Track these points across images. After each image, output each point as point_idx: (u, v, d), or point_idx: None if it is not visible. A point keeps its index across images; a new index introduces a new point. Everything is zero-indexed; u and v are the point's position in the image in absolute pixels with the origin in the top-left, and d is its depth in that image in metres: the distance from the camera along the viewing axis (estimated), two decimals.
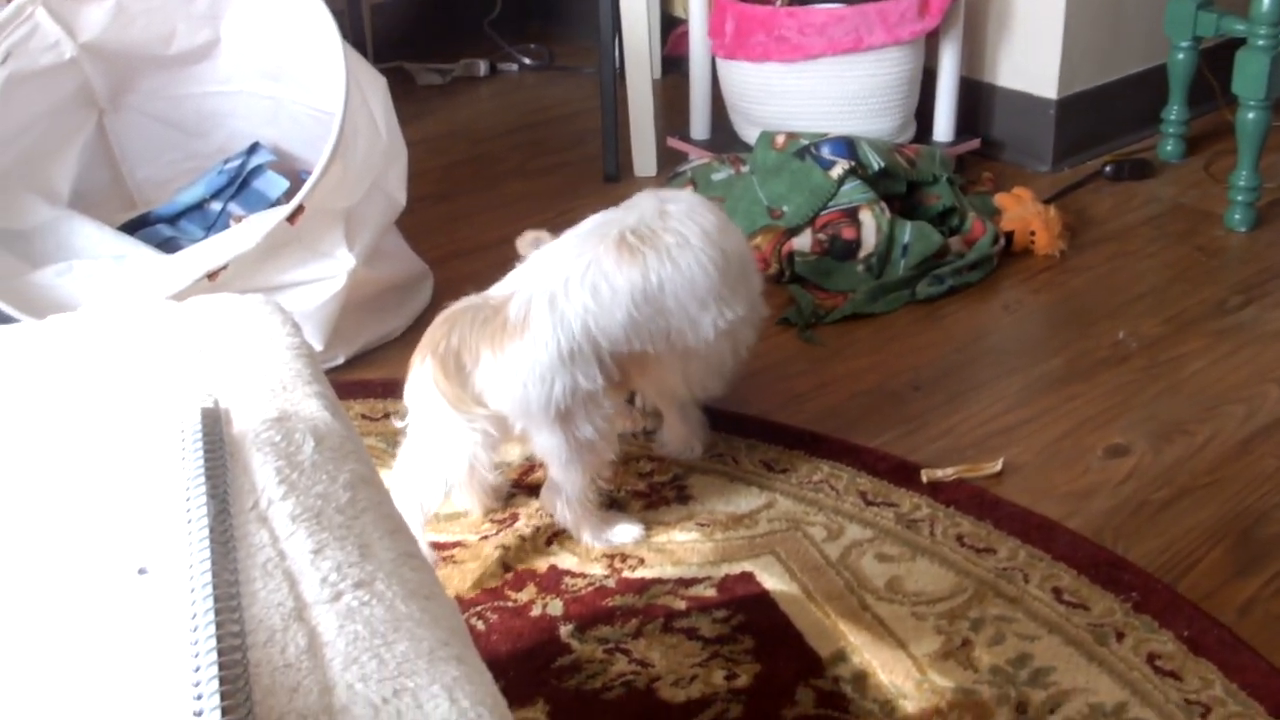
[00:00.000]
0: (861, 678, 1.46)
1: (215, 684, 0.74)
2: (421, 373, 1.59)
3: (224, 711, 0.73)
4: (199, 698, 0.74)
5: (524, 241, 1.78)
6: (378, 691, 0.79)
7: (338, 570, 0.88)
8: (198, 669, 0.76)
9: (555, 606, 1.59)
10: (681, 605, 1.59)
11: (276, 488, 0.96)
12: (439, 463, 1.62)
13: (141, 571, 0.85)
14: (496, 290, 1.66)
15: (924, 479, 1.79)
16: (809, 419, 1.97)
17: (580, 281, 1.61)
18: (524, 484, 1.84)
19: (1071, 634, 1.50)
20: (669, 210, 1.70)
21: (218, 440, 1.00)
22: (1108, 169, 2.87)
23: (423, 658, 0.82)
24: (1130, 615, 1.52)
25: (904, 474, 1.81)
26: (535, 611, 1.59)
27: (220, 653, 0.77)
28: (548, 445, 1.64)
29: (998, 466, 1.81)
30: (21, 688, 0.75)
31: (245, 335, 1.19)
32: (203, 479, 0.94)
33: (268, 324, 1.22)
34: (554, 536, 1.72)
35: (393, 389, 2.08)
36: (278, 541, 0.91)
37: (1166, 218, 2.67)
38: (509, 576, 1.65)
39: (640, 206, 1.72)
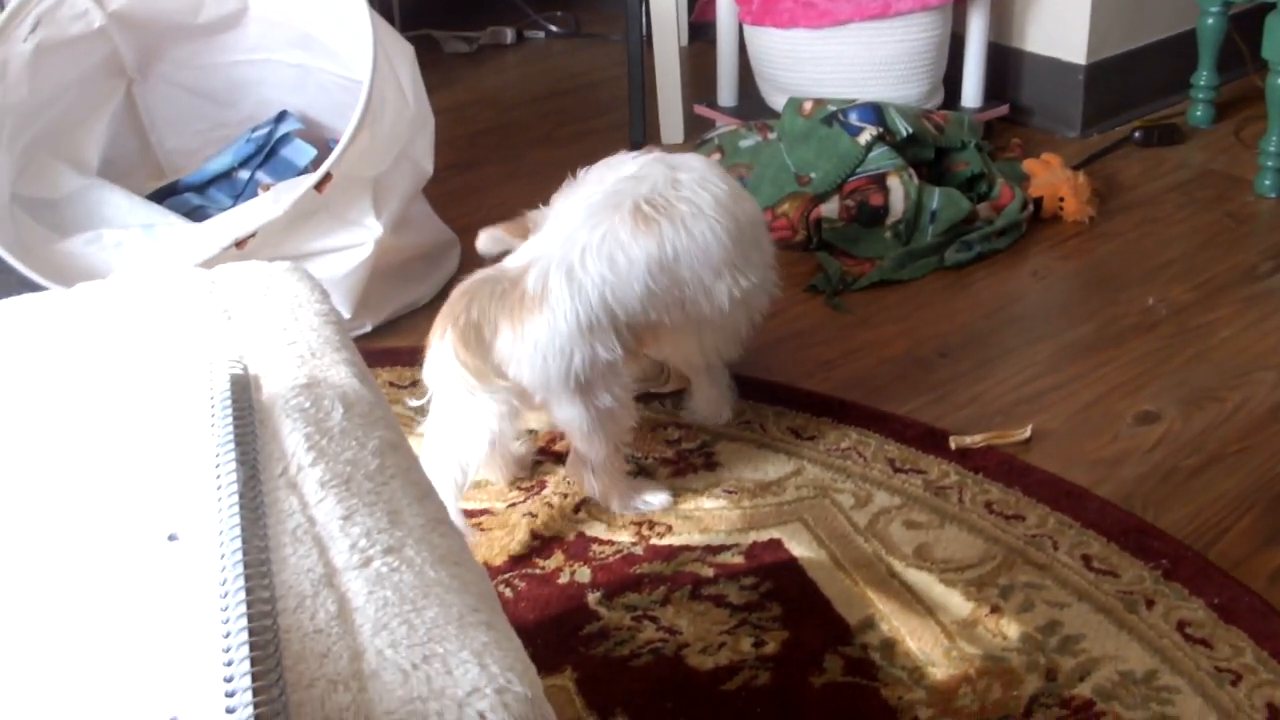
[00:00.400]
0: (890, 645, 1.46)
1: (245, 650, 0.75)
2: (442, 347, 1.59)
3: (254, 677, 0.73)
4: (229, 664, 0.74)
5: (482, 240, 1.84)
6: (407, 657, 0.79)
7: (367, 536, 0.89)
8: (228, 635, 0.76)
9: (583, 574, 1.60)
10: (709, 572, 1.59)
11: (306, 454, 0.97)
12: (464, 435, 1.62)
13: (172, 538, 0.85)
14: (512, 261, 1.66)
15: (952, 446, 1.78)
16: (836, 386, 1.96)
17: (597, 252, 1.60)
18: (551, 451, 1.84)
19: (1101, 601, 1.49)
20: (680, 179, 1.69)
21: (247, 407, 1.00)
22: (1137, 135, 2.84)
23: (452, 623, 0.82)
24: (1160, 583, 1.52)
25: (932, 441, 1.80)
26: (563, 579, 1.59)
27: (250, 618, 0.77)
28: (568, 416, 1.64)
29: (1026, 433, 1.81)
30: (52, 653, 0.76)
31: (273, 302, 1.19)
32: (232, 445, 0.94)
33: (296, 290, 1.22)
34: (582, 504, 1.72)
35: (421, 357, 2.09)
36: (307, 507, 0.91)
37: (1196, 183, 2.65)
38: (537, 544, 1.66)
39: (651, 175, 1.69)
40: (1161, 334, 2.09)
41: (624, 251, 1.61)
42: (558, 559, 1.63)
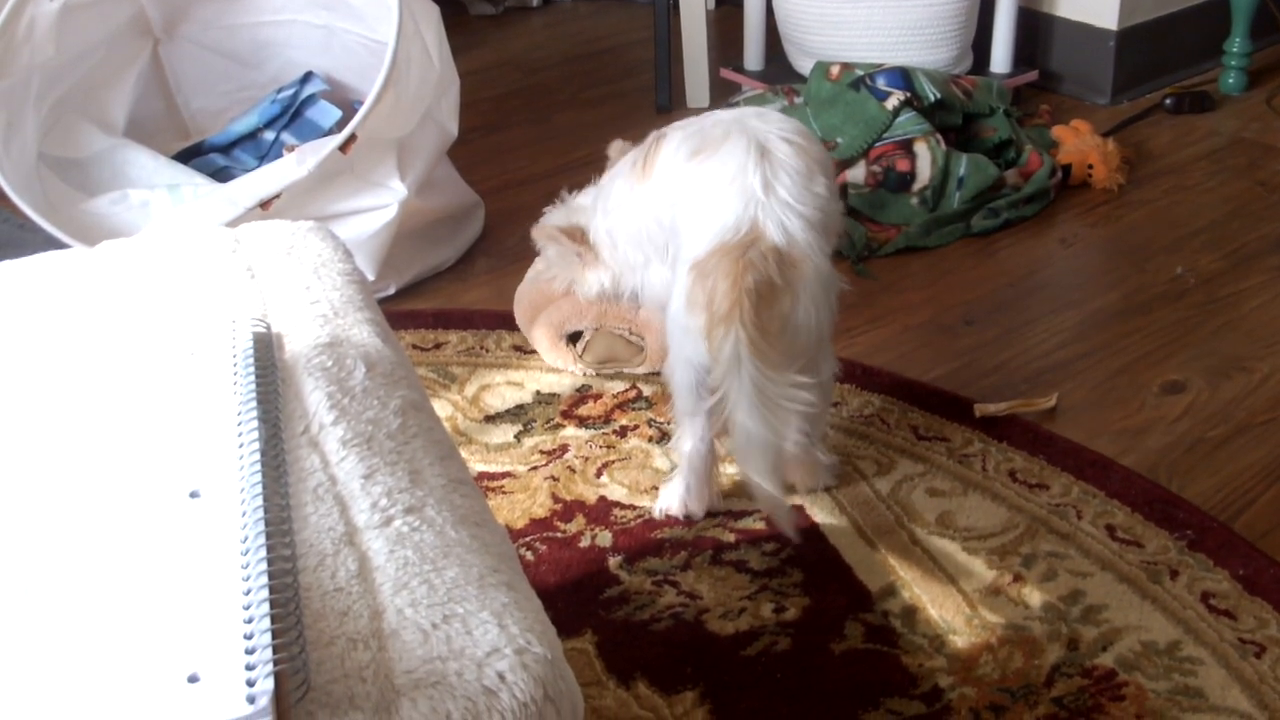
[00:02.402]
0: (911, 612, 1.45)
1: (265, 607, 0.75)
2: (732, 343, 1.39)
3: (274, 634, 0.73)
4: (249, 620, 0.74)
5: (614, 148, 1.75)
6: (427, 616, 0.79)
7: (388, 496, 0.89)
8: (248, 592, 0.76)
9: (604, 538, 1.60)
10: (730, 538, 1.59)
11: (328, 413, 0.96)
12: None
13: (194, 495, 0.85)
14: (721, 221, 1.45)
15: (976, 414, 1.77)
16: (860, 352, 1.95)
17: (797, 190, 1.45)
18: (573, 415, 1.84)
19: (1124, 571, 1.49)
20: (773, 123, 1.54)
21: (269, 365, 1.00)
22: (1168, 102, 2.81)
23: (472, 584, 0.82)
24: (1185, 553, 1.51)
25: (956, 409, 1.79)
26: (584, 543, 1.59)
27: (271, 575, 0.77)
28: (827, 375, 1.55)
29: (1051, 402, 1.79)
30: (73, 609, 0.76)
31: (297, 261, 1.19)
32: (254, 403, 0.94)
33: (319, 250, 1.22)
34: (603, 468, 1.72)
35: (444, 319, 2.09)
36: (329, 466, 0.91)
37: (1227, 152, 2.62)
38: (558, 508, 1.66)
39: (756, 117, 1.54)
40: (1189, 303, 2.07)
41: (810, 184, 1.47)
42: (579, 523, 1.62)
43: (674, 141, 1.57)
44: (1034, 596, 1.46)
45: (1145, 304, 2.08)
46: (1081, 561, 1.51)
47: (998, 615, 1.44)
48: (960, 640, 1.41)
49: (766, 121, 1.53)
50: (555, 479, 1.70)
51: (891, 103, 2.39)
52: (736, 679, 1.38)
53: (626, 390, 1.88)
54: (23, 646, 0.74)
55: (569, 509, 1.65)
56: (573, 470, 1.72)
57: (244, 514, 0.83)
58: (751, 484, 1.45)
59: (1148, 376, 1.88)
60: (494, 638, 0.78)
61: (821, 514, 1.61)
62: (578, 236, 1.78)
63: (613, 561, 1.56)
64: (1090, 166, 2.46)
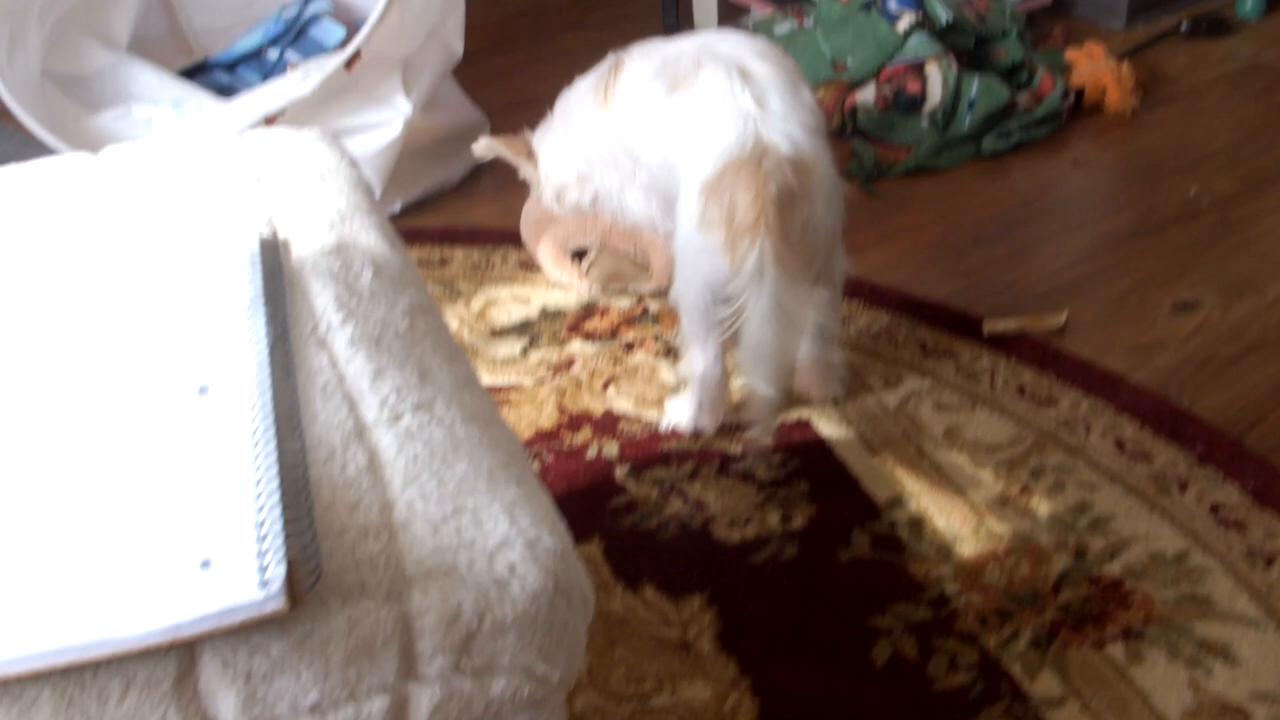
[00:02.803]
0: (918, 522, 1.45)
1: (276, 495, 0.75)
2: (757, 253, 1.39)
3: (286, 522, 0.73)
4: (261, 509, 0.74)
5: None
6: (437, 509, 0.79)
7: (397, 393, 0.88)
8: (259, 482, 0.76)
9: (611, 449, 1.60)
10: (737, 450, 1.59)
11: (335, 313, 0.96)
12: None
13: (202, 390, 0.85)
14: (724, 143, 1.44)
15: (985, 331, 1.76)
16: (869, 270, 1.94)
17: (789, 101, 1.46)
18: (580, 330, 1.83)
19: (1133, 484, 1.49)
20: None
21: (277, 268, 1.00)
22: (1184, 26, 2.78)
23: (482, 478, 0.82)
24: (1194, 467, 1.51)
25: (965, 326, 1.79)
26: (591, 454, 1.59)
27: (281, 466, 0.77)
28: (839, 273, 1.57)
29: (1061, 320, 1.79)
30: (86, 499, 0.76)
31: (303, 167, 1.18)
32: (262, 304, 0.93)
33: (325, 157, 1.21)
34: (609, 382, 1.72)
35: (450, 236, 2.08)
36: (337, 365, 0.91)
37: (1243, 76, 2.59)
38: (564, 420, 1.66)
39: (720, 40, 1.55)
40: (1203, 224, 2.06)
41: (798, 94, 1.48)
42: (585, 434, 1.63)
43: (640, 74, 1.58)
44: (1041, 507, 1.46)
45: (1158, 225, 2.06)
46: (1090, 474, 1.50)
47: (1005, 525, 1.44)
48: (967, 549, 1.41)
49: (732, 44, 1.53)
50: (562, 392, 1.70)
51: (903, 24, 2.36)
52: (743, 585, 1.38)
53: (633, 307, 1.88)
54: (39, 537, 0.74)
55: (575, 421, 1.65)
56: (579, 384, 1.72)
57: (253, 407, 0.83)
58: (752, 390, 1.45)
59: (1159, 296, 1.87)
60: (504, 530, 0.78)
61: (829, 427, 1.61)
62: (517, 147, 1.81)
63: (619, 472, 1.56)
64: (1104, 89, 2.43)
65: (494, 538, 0.77)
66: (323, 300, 0.98)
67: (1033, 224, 2.09)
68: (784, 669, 1.28)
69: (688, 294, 1.53)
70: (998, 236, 2.04)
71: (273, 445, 0.79)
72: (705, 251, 1.46)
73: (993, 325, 1.77)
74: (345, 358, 0.92)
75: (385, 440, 0.84)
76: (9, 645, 0.67)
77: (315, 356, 0.92)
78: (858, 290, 1.87)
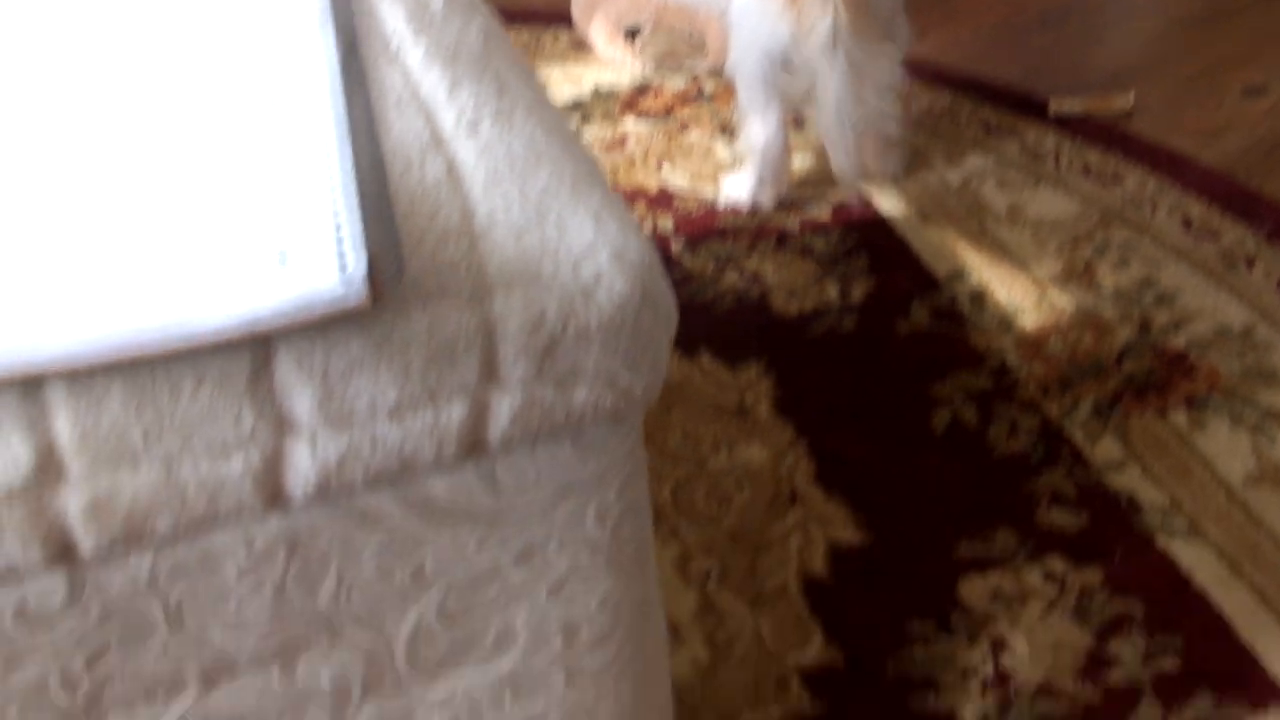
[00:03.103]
0: (979, 295, 1.43)
1: (354, 194, 0.72)
2: (830, 20, 1.38)
3: (365, 216, 0.71)
4: (338, 204, 0.72)
5: None
6: (520, 216, 0.76)
7: (475, 103, 0.85)
8: (336, 179, 0.74)
9: (666, 224, 1.57)
10: (795, 226, 1.56)
11: (407, 31, 0.93)
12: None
13: (275, 99, 0.83)
14: None
15: (1050, 111, 1.72)
16: (931, 50, 1.89)
17: None
18: (635, 108, 1.79)
19: (1199, 260, 1.46)
20: None
21: None
22: None
23: (565, 186, 0.79)
24: (1262, 245, 1.48)
25: (1029, 107, 1.74)
26: (645, 228, 1.57)
27: (359, 168, 0.75)
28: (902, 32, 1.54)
29: (1129, 102, 1.74)
30: (160, 194, 0.74)
31: None
32: (331, 19, 0.90)
33: None
34: (664, 159, 1.69)
35: (502, 15, 2.02)
36: (410, 79, 0.88)
37: None
38: (618, 195, 1.63)
39: None
40: (1276, 8, 1.99)
41: None
42: (640, 209, 1.60)
43: None
44: (1105, 282, 1.44)
45: (1232, 9, 1.99)
46: (1156, 251, 1.48)
47: (1068, 299, 1.42)
48: (1029, 321, 1.39)
49: None
50: (615, 169, 1.67)
51: None
52: (801, 354, 1.37)
53: (688, 86, 1.83)
54: (111, 225, 0.72)
55: (630, 197, 1.63)
56: (633, 161, 1.69)
57: (327, 111, 0.80)
58: (835, 159, 1.42)
59: (1229, 79, 1.81)
60: (590, 237, 0.76)
61: (889, 204, 1.58)
62: None
63: (675, 246, 1.54)
64: None
65: (579, 245, 0.75)
66: (393, 20, 0.94)
67: (1100, 6, 2.02)
68: (842, 434, 1.28)
69: (746, 62, 1.49)
70: (1065, 18, 1.98)
71: (348, 148, 0.77)
72: (765, 16, 1.41)
73: (1059, 105, 1.72)
74: (419, 72, 0.89)
75: (464, 149, 0.82)
76: (79, 334, 0.66)
77: (388, 74, 0.89)
78: (920, 70, 1.82)
